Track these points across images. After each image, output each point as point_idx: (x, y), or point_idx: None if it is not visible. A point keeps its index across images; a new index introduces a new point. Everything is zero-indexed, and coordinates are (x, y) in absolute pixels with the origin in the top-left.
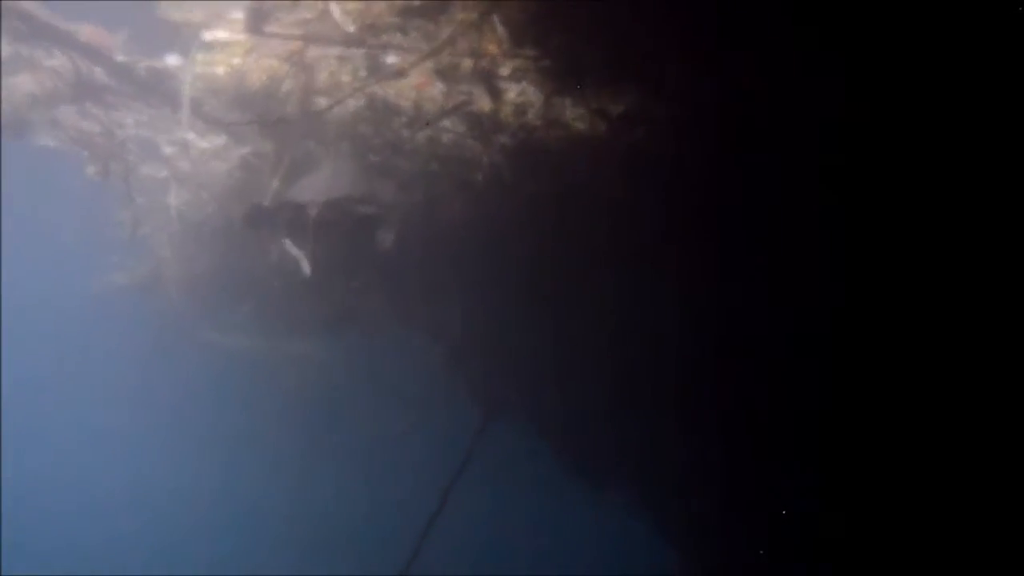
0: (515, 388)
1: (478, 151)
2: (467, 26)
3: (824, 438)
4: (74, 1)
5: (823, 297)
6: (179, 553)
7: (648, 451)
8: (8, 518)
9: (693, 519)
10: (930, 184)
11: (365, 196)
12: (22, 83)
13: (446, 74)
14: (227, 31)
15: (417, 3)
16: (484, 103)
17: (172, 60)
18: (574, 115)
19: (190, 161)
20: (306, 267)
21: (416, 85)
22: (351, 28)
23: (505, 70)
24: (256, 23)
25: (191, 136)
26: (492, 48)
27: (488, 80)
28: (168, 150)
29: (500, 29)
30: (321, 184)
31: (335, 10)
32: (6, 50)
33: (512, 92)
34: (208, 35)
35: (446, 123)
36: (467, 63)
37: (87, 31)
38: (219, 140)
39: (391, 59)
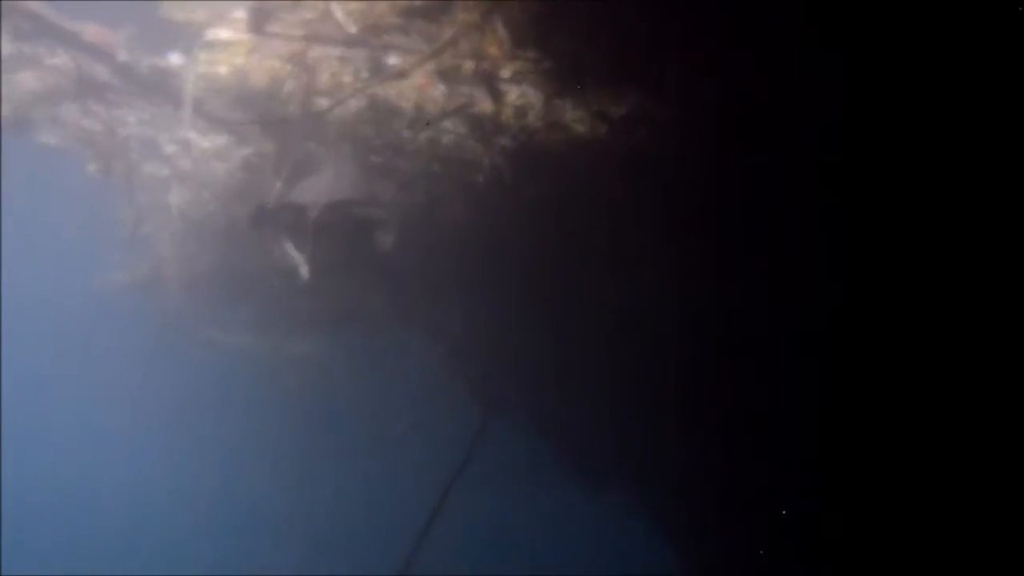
0: (515, 388)
1: (479, 152)
2: (468, 27)
3: (824, 438)
4: (77, 0)
5: (823, 297)
6: (179, 553)
7: (648, 451)
8: (8, 517)
9: (693, 519)
10: (930, 184)
11: (366, 198)
12: (24, 81)
13: (447, 75)
14: (229, 31)
15: (419, 4)
16: (485, 105)
17: (174, 59)
18: (575, 117)
19: (192, 160)
20: (304, 271)
21: (417, 86)
22: (353, 29)
23: (506, 72)
24: (258, 23)
25: (193, 135)
26: (493, 50)
27: (489, 82)
28: (170, 149)
29: (501, 30)
30: (322, 185)
31: (337, 10)
32: (9, 48)
33: (513, 94)
34: (210, 34)
35: (447, 124)
36: (468, 64)
37: (91, 30)
38: (221, 139)
39: (393, 60)
